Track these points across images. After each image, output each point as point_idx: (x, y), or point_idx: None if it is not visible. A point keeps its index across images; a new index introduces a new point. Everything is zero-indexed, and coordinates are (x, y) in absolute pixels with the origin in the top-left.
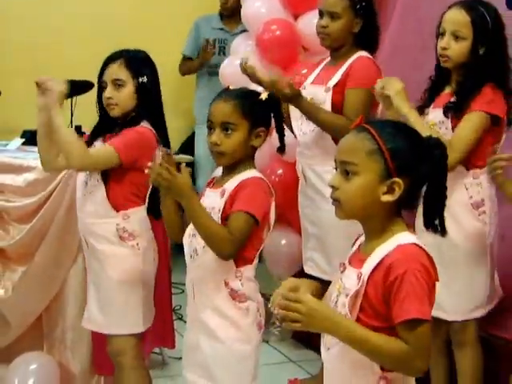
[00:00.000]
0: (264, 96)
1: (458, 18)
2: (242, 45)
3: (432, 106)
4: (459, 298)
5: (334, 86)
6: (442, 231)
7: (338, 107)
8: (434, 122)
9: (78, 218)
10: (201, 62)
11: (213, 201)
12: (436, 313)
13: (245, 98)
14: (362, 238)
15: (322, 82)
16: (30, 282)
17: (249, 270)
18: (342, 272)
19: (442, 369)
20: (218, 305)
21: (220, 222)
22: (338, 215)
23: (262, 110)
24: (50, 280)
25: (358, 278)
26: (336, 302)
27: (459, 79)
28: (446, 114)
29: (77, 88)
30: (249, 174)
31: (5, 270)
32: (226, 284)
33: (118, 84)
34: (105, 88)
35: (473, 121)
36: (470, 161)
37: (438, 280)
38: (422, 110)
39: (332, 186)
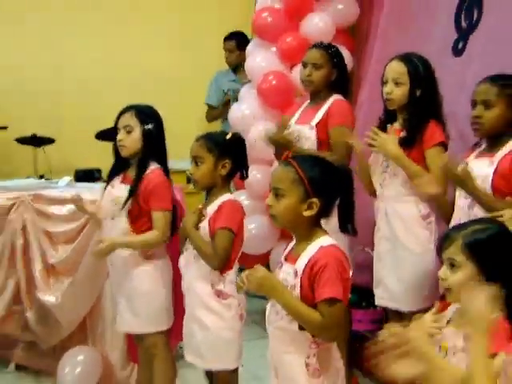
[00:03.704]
0: (228, 136)
1: (397, 68)
2: (247, 93)
3: None
4: (413, 292)
5: (317, 124)
6: (354, 232)
7: (320, 141)
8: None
9: None
10: (221, 111)
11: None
12: (395, 305)
13: (211, 137)
14: (293, 243)
15: (306, 122)
16: (74, 290)
17: (230, 274)
18: (280, 268)
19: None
20: (206, 301)
21: (208, 237)
22: (275, 225)
23: (226, 146)
24: (91, 289)
25: (295, 272)
26: None
27: (405, 117)
28: (401, 144)
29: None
30: (223, 198)
31: (55, 282)
32: (212, 286)
33: (127, 129)
34: (118, 133)
35: (439, 154)
36: None
37: (351, 268)
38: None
39: (268, 205)
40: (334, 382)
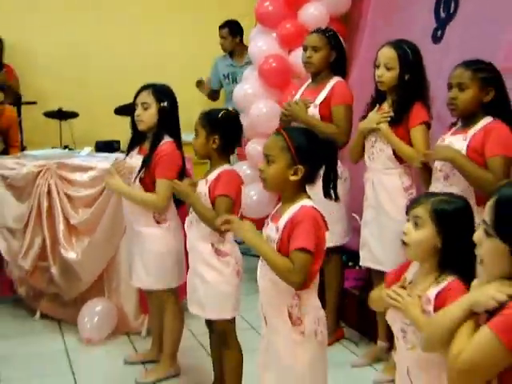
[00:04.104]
0: (221, 114)
1: (388, 53)
2: (250, 74)
3: None
4: (394, 255)
5: (320, 103)
6: (336, 198)
7: (323, 118)
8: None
9: (124, 207)
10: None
11: (200, 188)
12: (377, 266)
13: (208, 114)
14: (279, 205)
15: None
16: (93, 248)
17: (228, 235)
18: (265, 227)
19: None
20: (207, 259)
21: (208, 202)
22: (265, 189)
23: (217, 123)
24: (107, 247)
25: (276, 229)
26: None
27: (393, 98)
28: (389, 123)
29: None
30: (221, 168)
31: (76, 240)
32: (212, 245)
33: (145, 106)
34: (136, 109)
35: (423, 132)
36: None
37: (327, 229)
38: (364, 118)
39: (260, 170)
40: (314, 329)
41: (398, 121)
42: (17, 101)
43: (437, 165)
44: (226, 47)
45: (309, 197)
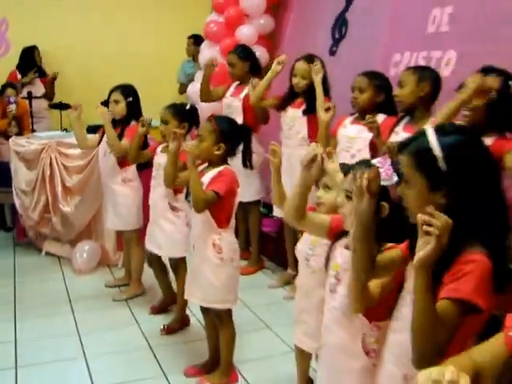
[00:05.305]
0: (187, 107)
1: (303, 66)
2: (200, 76)
3: (290, 107)
4: None
5: (244, 97)
6: (251, 167)
7: (244, 108)
8: (294, 116)
9: (101, 172)
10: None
11: (162, 160)
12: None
13: (176, 106)
14: (204, 167)
15: (236, 95)
16: (83, 203)
17: (181, 196)
18: None
19: None
20: (163, 213)
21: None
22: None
23: (186, 114)
24: (94, 202)
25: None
26: None
27: (305, 96)
28: (304, 113)
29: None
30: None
31: (71, 198)
32: (169, 203)
33: (116, 102)
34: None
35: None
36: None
37: (239, 186)
38: (282, 108)
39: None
40: (231, 257)
41: (311, 110)
42: (29, 95)
43: (343, 147)
44: (190, 52)
45: (228, 164)
